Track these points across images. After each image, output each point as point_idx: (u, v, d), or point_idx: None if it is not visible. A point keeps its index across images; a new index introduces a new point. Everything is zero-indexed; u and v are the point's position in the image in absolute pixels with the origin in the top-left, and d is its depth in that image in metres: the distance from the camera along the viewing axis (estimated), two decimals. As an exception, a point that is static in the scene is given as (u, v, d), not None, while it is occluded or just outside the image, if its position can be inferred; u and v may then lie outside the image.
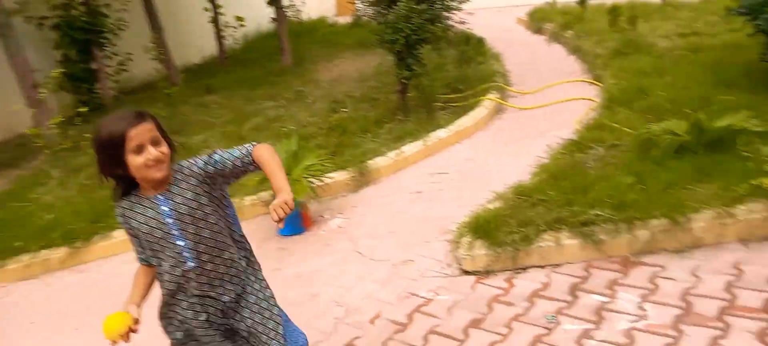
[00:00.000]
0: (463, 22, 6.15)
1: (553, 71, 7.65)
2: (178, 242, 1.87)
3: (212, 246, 1.92)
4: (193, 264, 1.89)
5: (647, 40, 6.99)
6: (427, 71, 6.05)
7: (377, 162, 5.09)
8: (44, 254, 4.49)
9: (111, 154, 1.79)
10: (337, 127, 5.35)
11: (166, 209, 1.86)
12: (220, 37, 10.17)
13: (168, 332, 2.06)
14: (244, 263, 2.05)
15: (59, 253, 4.49)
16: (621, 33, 7.36)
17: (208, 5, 9.82)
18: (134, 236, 1.95)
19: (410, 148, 5.30)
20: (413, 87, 6.28)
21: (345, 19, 14.39)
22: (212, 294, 1.96)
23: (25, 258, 4.49)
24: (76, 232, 4.54)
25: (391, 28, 5.43)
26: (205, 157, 1.90)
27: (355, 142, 5.45)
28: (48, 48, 7.94)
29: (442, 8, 5.71)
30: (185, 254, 1.88)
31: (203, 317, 1.98)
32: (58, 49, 7.81)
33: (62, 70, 7.61)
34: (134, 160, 1.77)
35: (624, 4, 9.26)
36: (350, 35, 11.50)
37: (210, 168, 1.88)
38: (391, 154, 5.19)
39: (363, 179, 4.96)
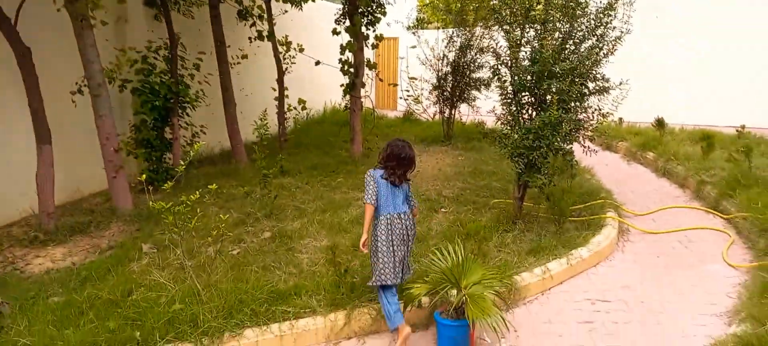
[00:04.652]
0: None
1: (654, 193, 7.37)
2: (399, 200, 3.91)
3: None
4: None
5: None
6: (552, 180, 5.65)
7: (524, 278, 4.59)
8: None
9: (400, 162, 3.88)
10: (475, 234, 4.86)
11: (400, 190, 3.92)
12: (282, 120, 9.91)
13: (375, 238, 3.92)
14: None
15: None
16: (733, 163, 7.12)
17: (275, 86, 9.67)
18: (376, 185, 3.82)
19: (555, 266, 4.82)
20: (532, 196, 5.91)
21: (388, 113, 14.30)
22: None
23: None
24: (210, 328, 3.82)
25: (534, 134, 5.10)
26: (410, 192, 4.05)
27: (483, 250, 4.94)
28: (123, 112, 7.56)
29: (584, 117, 5.46)
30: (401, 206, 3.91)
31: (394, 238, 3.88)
32: (137, 114, 7.38)
33: (135, 136, 7.22)
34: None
35: (698, 131, 9.21)
36: (405, 129, 11.31)
37: (410, 195, 4.05)
38: (538, 271, 4.70)
39: (510, 297, 4.44)
